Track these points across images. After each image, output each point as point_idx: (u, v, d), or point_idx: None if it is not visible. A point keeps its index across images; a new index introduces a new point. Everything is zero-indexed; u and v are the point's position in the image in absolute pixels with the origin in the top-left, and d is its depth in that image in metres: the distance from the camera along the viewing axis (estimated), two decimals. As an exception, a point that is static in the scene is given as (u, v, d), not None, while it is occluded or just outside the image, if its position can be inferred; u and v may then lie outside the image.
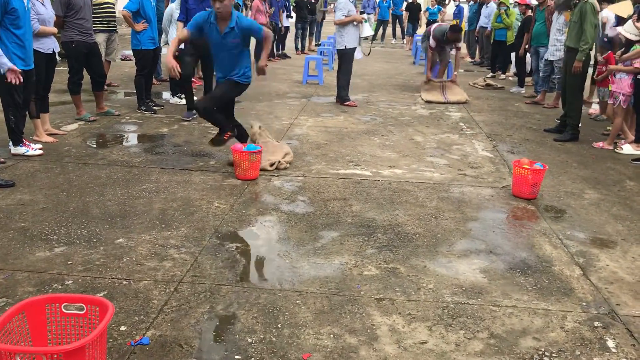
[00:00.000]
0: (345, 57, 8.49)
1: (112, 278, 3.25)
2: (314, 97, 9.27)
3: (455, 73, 9.87)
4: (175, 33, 7.67)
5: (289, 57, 14.57)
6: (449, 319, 2.97)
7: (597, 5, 6.97)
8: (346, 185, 4.97)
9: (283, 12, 13.86)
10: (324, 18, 18.56)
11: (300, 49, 15.62)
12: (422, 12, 18.41)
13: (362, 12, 8.25)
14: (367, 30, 8.35)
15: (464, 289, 3.29)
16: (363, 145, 6.30)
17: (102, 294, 3.06)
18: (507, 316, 3.02)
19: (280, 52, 14.58)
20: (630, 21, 6.45)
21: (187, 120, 7.03)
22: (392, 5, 19.74)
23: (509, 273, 3.51)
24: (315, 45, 17.46)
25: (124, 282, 3.21)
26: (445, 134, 7.04)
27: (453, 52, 10.01)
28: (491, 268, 3.56)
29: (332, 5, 21.81)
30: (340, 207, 4.47)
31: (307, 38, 16.11)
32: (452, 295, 3.20)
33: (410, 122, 7.63)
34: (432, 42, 9.46)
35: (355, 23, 8.30)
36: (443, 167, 5.65)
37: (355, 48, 8.41)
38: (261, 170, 5.16)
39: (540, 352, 2.71)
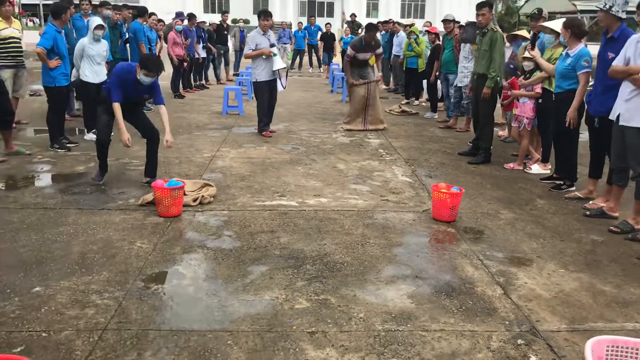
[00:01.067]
0: (257, 89, 8.58)
1: (30, 331, 3.07)
2: (235, 127, 9.24)
3: (380, 74, 10.36)
4: (87, 68, 7.46)
5: (207, 88, 14.48)
6: (381, 347, 3.01)
7: (504, 35, 7.46)
8: (273, 217, 4.97)
9: (199, 42, 13.78)
10: (242, 48, 18.61)
11: (216, 80, 15.56)
12: (336, 42, 18.86)
13: (272, 46, 8.21)
14: (278, 63, 8.34)
15: (393, 315, 3.35)
16: (287, 175, 6.34)
17: (18, 350, 2.88)
18: (437, 340, 3.10)
19: (198, 83, 14.46)
20: (526, 50, 6.91)
21: (98, 183, 5.79)
22: (307, 35, 20.11)
23: (435, 297, 3.61)
24: (234, 75, 17.45)
25: (43, 335, 3.04)
26: (366, 160, 7.20)
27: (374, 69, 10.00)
28: (418, 293, 3.65)
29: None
30: (268, 240, 4.46)
31: (223, 68, 16.08)
32: (383, 323, 3.25)
33: (332, 150, 7.75)
34: (349, 50, 9.43)
35: (264, 57, 8.33)
36: (366, 193, 5.77)
37: (268, 80, 8.40)
38: (184, 206, 5.07)
39: (470, 374, 2.80)
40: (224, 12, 17.25)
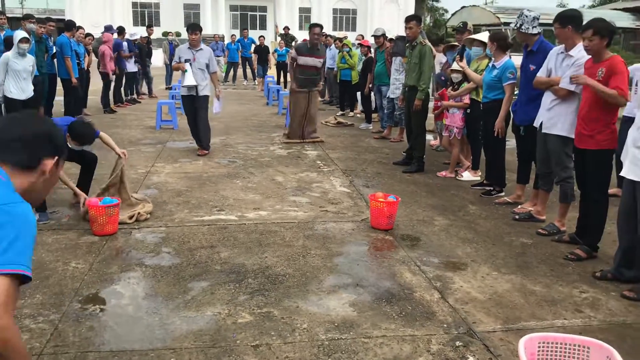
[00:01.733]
0: (182, 103, 8.50)
1: (-42, 360, 2.92)
2: (170, 142, 9.11)
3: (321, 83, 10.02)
4: (11, 84, 7.18)
5: (139, 102, 14.21)
6: (325, 356, 3.05)
7: (434, 49, 7.72)
8: (212, 232, 4.93)
9: (131, 57, 13.53)
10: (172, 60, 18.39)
11: (148, 94, 15.29)
12: (270, 54, 18.94)
13: (186, 61, 7.98)
14: (188, 79, 8.12)
15: (336, 324, 3.40)
16: (225, 189, 6.30)
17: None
18: (379, 346, 3.17)
19: (129, 97, 14.16)
20: (455, 62, 7.19)
21: (43, 222, 5.17)
22: (240, 47, 20.10)
23: (375, 304, 3.69)
24: (166, 88, 17.20)
25: (-27, 364, 2.90)
26: (304, 172, 7.26)
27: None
28: (359, 300, 3.72)
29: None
30: (208, 255, 4.42)
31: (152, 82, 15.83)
32: (326, 332, 3.29)
33: (270, 162, 7.77)
34: (293, 53, 9.19)
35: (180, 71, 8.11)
36: (305, 205, 5.82)
37: (187, 95, 8.09)
38: (120, 223, 4.96)
39: (412, 377, 2.88)
40: (148, 25, 16.90)
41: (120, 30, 13.53)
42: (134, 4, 43.46)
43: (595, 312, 3.64)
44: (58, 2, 41.13)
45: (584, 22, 4.55)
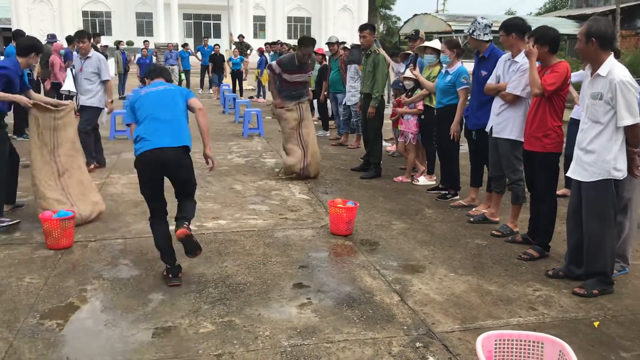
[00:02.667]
0: None
1: None
2: (125, 152, 8.96)
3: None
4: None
5: (92, 113, 13.92)
6: (289, 362, 3.07)
7: (388, 57, 7.86)
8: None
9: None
10: (127, 70, 18.17)
11: None
12: (225, 63, 18.87)
13: (72, 68, 7.59)
14: (67, 84, 7.75)
15: (298, 330, 3.42)
16: (183, 200, 6.24)
17: None
18: (341, 350, 3.21)
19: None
20: (408, 69, 7.34)
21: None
22: (202, 56, 19.98)
23: (337, 308, 3.73)
24: (120, 98, 16.92)
25: None
26: (263, 180, 7.27)
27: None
28: (321, 306, 3.75)
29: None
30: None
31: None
32: (289, 339, 3.31)
33: (228, 171, 7.74)
34: (275, 66, 7.34)
35: None
36: (265, 213, 5.82)
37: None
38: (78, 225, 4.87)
39: (374, 380, 2.93)
40: (95, 34, 16.57)
41: (70, 40, 13.25)
42: (84, 13, 42.68)
43: (548, 309, 3.78)
44: (4, 10, 39.93)
45: (531, 29, 4.75)
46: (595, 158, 3.88)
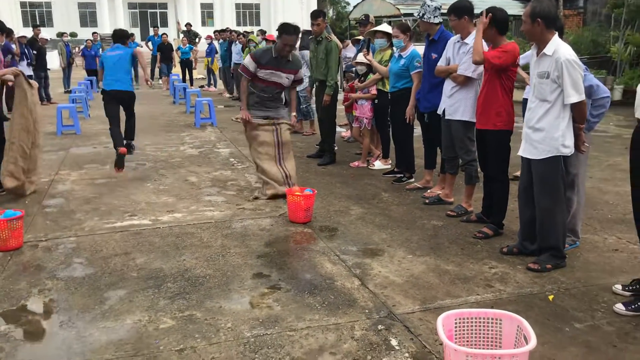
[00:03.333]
0: None
1: None
2: (74, 148, 8.72)
3: (294, 114, 6.35)
4: None
5: (37, 108, 13.44)
6: (252, 353, 3.05)
7: (340, 44, 7.82)
8: (125, 239, 4.78)
9: (22, 59, 12.77)
10: (70, 63, 17.57)
11: (46, 99, 14.47)
12: (174, 52, 18.50)
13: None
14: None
15: (261, 321, 3.40)
16: (136, 194, 6.12)
17: None
18: (304, 338, 3.21)
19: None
20: (360, 54, 7.34)
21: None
22: (152, 46, 19.55)
23: (298, 296, 3.73)
24: (65, 92, 16.41)
25: None
26: (218, 171, 7.18)
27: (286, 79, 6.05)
28: (282, 295, 3.74)
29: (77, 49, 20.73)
30: (123, 262, 4.28)
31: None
32: (251, 330, 3.30)
33: (181, 163, 7.61)
34: (248, 61, 5.87)
35: None
36: (222, 204, 5.76)
37: None
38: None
39: (339, 365, 2.94)
40: (35, 26, 15.95)
41: (8, 32, 12.72)
42: (23, 4, 41.05)
43: (504, 285, 3.87)
44: None
45: (477, 11, 4.81)
46: (544, 136, 3.98)
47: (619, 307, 3.48)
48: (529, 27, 3.95)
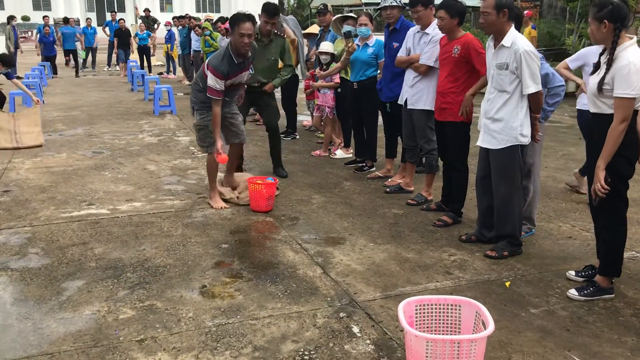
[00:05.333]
0: None
1: None
2: (27, 135, 8.43)
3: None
4: None
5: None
6: (214, 342, 3.04)
7: (291, 33, 7.65)
8: (83, 228, 4.68)
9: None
10: (18, 48, 16.96)
11: None
12: (132, 38, 18.09)
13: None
14: None
15: (222, 310, 3.39)
16: (94, 182, 5.99)
17: None
18: (266, 326, 3.21)
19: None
20: (323, 43, 7.31)
21: None
22: (97, 32, 19.04)
23: (261, 285, 3.72)
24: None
25: None
26: (178, 159, 7.08)
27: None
28: (244, 284, 3.73)
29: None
30: (81, 252, 4.20)
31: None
32: (213, 319, 3.28)
33: (140, 151, 7.48)
34: (213, 82, 4.90)
35: None
36: (182, 193, 5.69)
37: None
38: None
39: (301, 353, 2.96)
40: None
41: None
42: (-29, -15, 39.46)
43: (463, 272, 3.95)
44: None
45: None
46: (503, 126, 4.06)
47: (572, 292, 3.59)
48: (493, 19, 3.97)
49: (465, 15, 4.75)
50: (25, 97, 10.00)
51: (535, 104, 4.04)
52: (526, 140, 4.07)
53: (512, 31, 3.99)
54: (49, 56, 17.14)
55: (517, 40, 3.93)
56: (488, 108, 4.17)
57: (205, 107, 5.13)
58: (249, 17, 4.94)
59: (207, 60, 5.16)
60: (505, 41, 3.96)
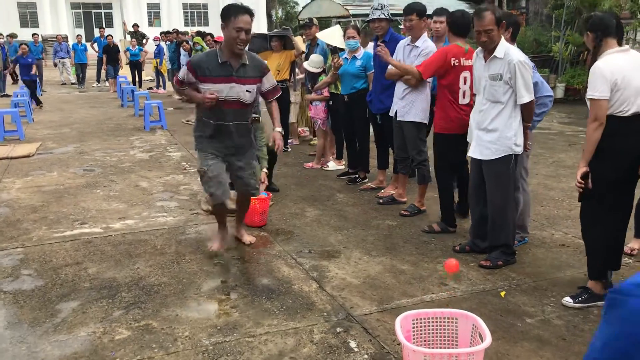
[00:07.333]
0: None
1: None
2: (17, 154, 8.39)
3: (279, 130, 4.48)
4: None
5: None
6: (211, 361, 3.03)
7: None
8: (76, 248, 4.65)
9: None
10: (6, 67, 16.85)
11: None
12: (121, 53, 18.08)
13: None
14: None
15: (218, 328, 3.38)
16: (86, 201, 5.96)
17: None
18: (263, 343, 3.20)
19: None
20: (312, 56, 7.35)
21: None
22: (87, 48, 19.01)
23: (256, 302, 3.71)
24: (1, 95, 15.80)
25: None
26: (169, 175, 7.07)
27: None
28: (240, 301, 3.72)
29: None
30: (75, 272, 4.17)
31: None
32: (209, 337, 3.26)
33: (131, 168, 7.46)
34: (184, 74, 4.13)
35: None
36: (175, 209, 5.68)
37: None
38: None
39: (299, 369, 2.95)
40: None
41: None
42: (-43, 4, 39.29)
43: (458, 283, 3.96)
44: None
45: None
46: (498, 136, 4.08)
47: (567, 300, 3.61)
48: (496, 34, 3.98)
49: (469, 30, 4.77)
50: (14, 115, 9.97)
51: (527, 113, 4.07)
52: (520, 149, 4.10)
53: (503, 42, 4.03)
54: (26, 80, 13.94)
55: (510, 51, 3.97)
56: (481, 119, 4.19)
57: (201, 142, 4.24)
58: (247, 9, 3.99)
59: None
60: (498, 52, 4.00)
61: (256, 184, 4.51)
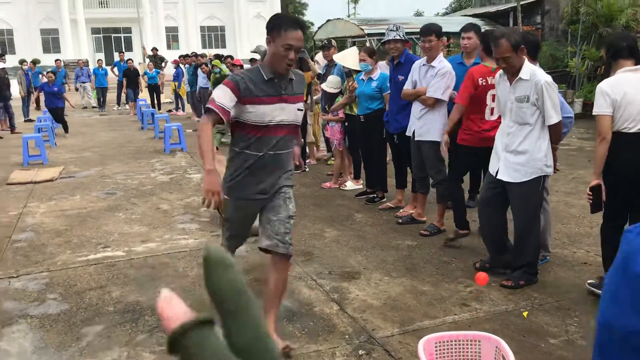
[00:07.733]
0: None
1: None
2: (41, 179, 8.55)
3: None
4: None
5: (1, 138, 13.21)
6: (234, 385, 3.04)
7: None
8: (100, 271, 4.72)
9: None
10: (30, 92, 17.23)
11: (10, 129, 14.20)
12: (140, 77, 18.39)
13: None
14: None
15: (241, 351, 3.39)
16: (108, 224, 6.05)
17: None
18: (286, 366, 3.21)
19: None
20: (330, 77, 7.42)
21: None
22: (107, 72, 19.35)
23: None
24: (25, 121, 16.11)
25: None
26: (190, 197, 7.14)
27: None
28: (262, 323, 3.74)
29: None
30: (99, 296, 4.23)
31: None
32: (232, 361, 3.28)
33: (153, 190, 7.56)
34: (222, 93, 3.17)
35: None
36: (196, 231, 5.73)
37: None
38: (-4, 274, 4.61)
39: (322, 393, 2.95)
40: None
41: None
42: (-17, 31, 40.35)
43: (480, 304, 3.94)
44: None
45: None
46: (528, 158, 4.05)
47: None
48: (515, 60, 3.97)
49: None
50: (38, 140, 10.17)
51: (556, 133, 4.07)
52: (550, 170, 4.10)
53: (527, 64, 4.02)
54: (51, 108, 13.34)
55: (536, 72, 3.99)
56: (509, 141, 4.14)
57: (230, 180, 3.42)
58: (299, 23, 3.30)
59: None
60: (523, 74, 3.99)
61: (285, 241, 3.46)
